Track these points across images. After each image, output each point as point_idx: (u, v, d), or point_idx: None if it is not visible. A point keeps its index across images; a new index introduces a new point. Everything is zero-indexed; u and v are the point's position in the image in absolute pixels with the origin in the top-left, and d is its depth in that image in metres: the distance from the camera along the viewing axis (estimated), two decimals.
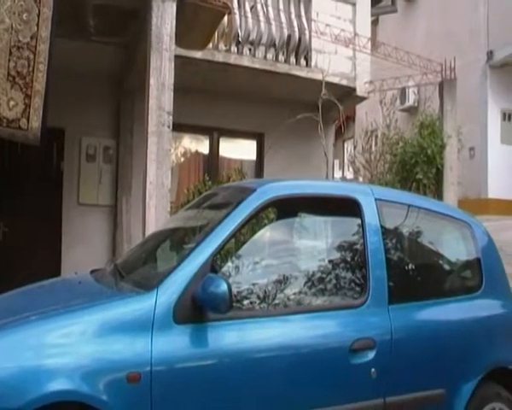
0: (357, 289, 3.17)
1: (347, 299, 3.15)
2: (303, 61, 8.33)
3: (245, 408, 2.71)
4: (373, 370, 2.98)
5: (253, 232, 3.35)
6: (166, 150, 5.12)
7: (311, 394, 2.86)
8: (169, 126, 5.19)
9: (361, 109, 13.07)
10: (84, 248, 7.15)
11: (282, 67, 8.07)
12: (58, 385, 2.38)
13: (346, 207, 3.32)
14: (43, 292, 3.39)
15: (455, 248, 3.85)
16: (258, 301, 2.92)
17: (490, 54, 13.34)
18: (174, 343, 2.59)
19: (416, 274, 3.53)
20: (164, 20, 5.10)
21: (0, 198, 7.13)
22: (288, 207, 3.32)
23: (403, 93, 13.79)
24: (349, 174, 12.11)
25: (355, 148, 9.02)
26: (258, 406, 2.74)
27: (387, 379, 3.04)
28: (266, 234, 3.42)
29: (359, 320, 3.05)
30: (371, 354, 2.99)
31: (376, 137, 9.14)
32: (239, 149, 9.26)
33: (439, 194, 7.45)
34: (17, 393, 2.33)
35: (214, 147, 8.90)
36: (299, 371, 2.84)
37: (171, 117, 5.16)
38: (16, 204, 7.13)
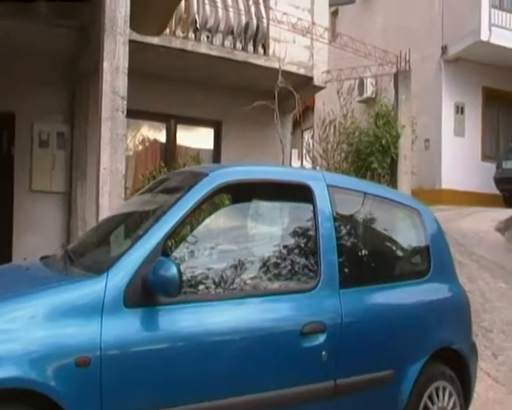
0: (309, 273, 3.21)
1: (299, 283, 3.18)
2: (261, 50, 8.35)
3: (195, 392, 2.71)
4: (323, 353, 3.03)
5: (206, 217, 3.35)
6: (121, 136, 5.04)
7: (263, 377, 2.89)
8: (123, 111, 5.11)
9: (320, 99, 13.16)
10: (36, 236, 7.00)
11: (239, 55, 8.05)
12: (3, 372, 2.32)
13: (298, 192, 3.36)
14: None
15: (405, 234, 3.94)
16: (210, 285, 2.92)
17: (444, 48, 13.61)
18: (124, 327, 2.57)
19: (367, 259, 3.60)
20: (118, 3, 5.00)
21: None
22: (240, 193, 3.33)
23: (361, 85, 13.94)
24: (307, 164, 12.21)
25: (312, 137, 9.07)
26: (209, 389, 2.74)
27: (338, 362, 3.10)
28: (219, 219, 3.42)
29: (310, 304, 3.09)
30: (322, 338, 3.04)
31: (334, 127, 9.22)
32: (196, 137, 9.23)
33: (393, 183, 7.60)
34: None
35: (171, 134, 8.83)
36: (250, 354, 2.86)
37: (125, 102, 5.08)
38: None
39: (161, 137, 9.02)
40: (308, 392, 3.02)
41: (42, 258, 3.45)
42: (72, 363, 2.43)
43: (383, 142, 7.43)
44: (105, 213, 4.56)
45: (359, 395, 3.24)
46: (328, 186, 3.37)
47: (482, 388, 4.86)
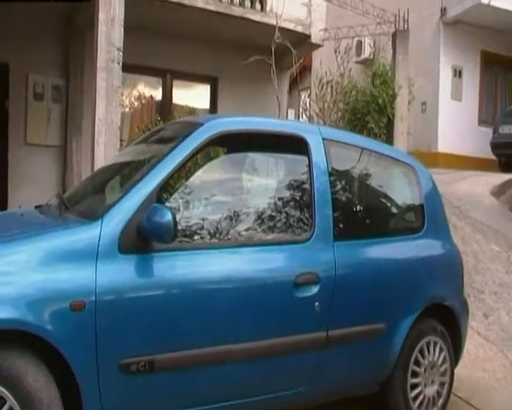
0: (303, 225, 3.21)
1: (293, 235, 3.19)
2: (258, 5, 8.22)
3: (188, 338, 2.74)
4: (316, 303, 3.06)
5: (200, 168, 3.34)
6: (116, 87, 5.01)
7: (256, 325, 2.92)
8: (119, 63, 5.08)
9: (317, 59, 13.02)
10: (32, 189, 6.95)
11: (236, 10, 7.93)
12: (1, 313, 2.34)
13: (293, 145, 3.34)
14: None
15: (400, 189, 3.95)
16: (204, 235, 2.92)
17: (443, 10, 13.41)
18: (119, 272, 2.58)
19: (362, 213, 3.61)
20: None
21: None
22: (235, 143, 3.31)
23: (359, 45, 13.77)
24: None
25: (309, 96, 9.00)
26: (203, 336, 2.77)
27: (330, 313, 3.13)
28: (214, 170, 3.41)
29: (304, 255, 3.10)
30: (315, 289, 3.06)
31: (331, 87, 9.13)
32: (193, 94, 9.15)
33: (389, 143, 7.56)
34: None
35: (167, 90, 8.76)
36: (244, 303, 2.88)
37: (121, 53, 5.04)
38: None
39: (157, 93, 8.95)
40: (300, 342, 3.06)
41: (36, 206, 3.45)
42: (67, 307, 2.44)
43: (380, 101, 7.38)
44: (100, 164, 4.55)
45: (351, 346, 3.28)
46: (323, 139, 3.36)
47: (472, 346, 4.94)
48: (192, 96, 9.14)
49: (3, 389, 2.33)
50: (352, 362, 3.33)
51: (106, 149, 4.77)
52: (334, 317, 3.15)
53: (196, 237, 2.90)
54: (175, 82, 8.83)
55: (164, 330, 2.68)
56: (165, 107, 8.65)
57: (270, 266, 3.04)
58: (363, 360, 3.38)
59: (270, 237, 3.12)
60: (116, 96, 5.03)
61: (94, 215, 2.70)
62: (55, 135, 7.60)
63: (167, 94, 8.79)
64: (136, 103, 9.04)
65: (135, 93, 8.97)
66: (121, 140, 5.09)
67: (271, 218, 3.17)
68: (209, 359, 2.79)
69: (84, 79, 7.53)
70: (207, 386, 2.81)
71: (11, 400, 2.33)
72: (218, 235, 2.95)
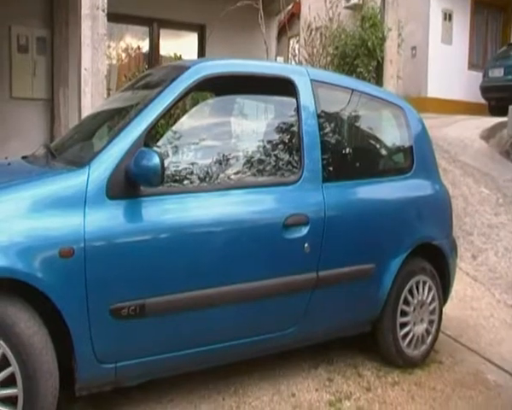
0: (292, 168, 3.21)
1: (282, 177, 3.18)
2: None
3: (178, 282, 2.75)
4: (306, 245, 3.08)
5: (188, 112, 3.30)
6: (102, 35, 4.92)
7: (246, 267, 2.94)
8: (104, 10, 4.97)
9: (306, 6, 12.78)
10: (19, 144, 6.87)
11: None
12: None
13: (281, 87, 3.31)
14: None
15: (389, 131, 3.94)
16: (193, 179, 2.91)
17: None
18: (108, 218, 2.58)
19: (351, 155, 3.59)
20: None
21: None
22: (222, 86, 3.26)
23: None
24: None
25: (298, 42, 8.86)
26: (192, 279, 2.79)
27: (320, 254, 3.16)
28: (201, 114, 3.38)
29: (293, 197, 3.11)
30: (305, 230, 3.08)
31: (321, 34, 8.98)
32: (180, 43, 8.98)
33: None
34: None
35: (154, 39, 8.60)
36: (234, 245, 2.90)
37: (105, 0, 4.91)
38: None
39: (144, 43, 8.79)
40: (291, 283, 3.09)
41: (23, 157, 3.42)
42: (56, 254, 2.45)
43: (369, 44, 7.26)
44: (87, 114, 4.49)
45: (341, 287, 3.33)
46: (311, 81, 3.33)
47: (461, 286, 5.03)
48: (179, 45, 8.98)
49: None
50: (342, 303, 3.38)
51: (93, 98, 4.70)
52: (324, 258, 3.17)
53: (185, 182, 2.89)
54: (162, 31, 8.67)
55: (153, 275, 2.69)
56: (153, 57, 8.52)
57: (259, 208, 3.04)
58: (353, 300, 3.43)
59: (258, 179, 3.12)
60: (102, 45, 4.93)
61: (81, 162, 2.68)
62: (41, 88, 7.49)
63: (154, 44, 8.64)
64: (123, 55, 8.89)
65: (122, 44, 8.81)
66: (108, 90, 5.01)
67: (260, 160, 3.17)
68: (199, 302, 2.82)
69: (69, 30, 7.38)
70: (198, 329, 2.85)
71: (3, 346, 2.36)
72: (206, 178, 2.94)
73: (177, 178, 2.87)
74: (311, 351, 3.60)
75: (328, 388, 3.31)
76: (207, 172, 2.96)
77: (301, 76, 3.32)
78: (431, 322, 3.78)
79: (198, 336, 2.87)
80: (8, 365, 2.37)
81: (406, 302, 3.65)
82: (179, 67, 3.15)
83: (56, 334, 2.50)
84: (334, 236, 3.21)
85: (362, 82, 4.49)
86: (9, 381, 2.38)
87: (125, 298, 2.61)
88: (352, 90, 3.64)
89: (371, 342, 3.70)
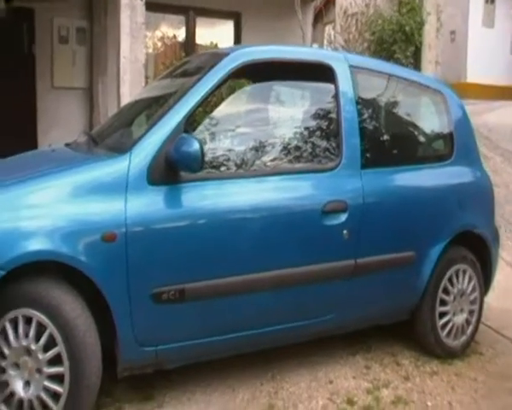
0: (331, 154, 3.19)
1: (320, 163, 3.17)
2: None
3: (217, 267, 2.78)
4: (345, 231, 3.06)
5: (225, 99, 3.31)
6: (140, 24, 4.97)
7: (285, 253, 2.94)
8: (142, 0, 5.00)
9: None
10: (60, 131, 7.02)
11: None
12: (37, 245, 2.42)
13: (319, 73, 3.28)
14: (16, 161, 3.38)
15: (429, 116, 3.88)
16: (232, 165, 2.93)
17: None
18: (149, 204, 2.62)
19: (390, 141, 3.55)
20: None
21: None
22: (261, 72, 3.26)
23: None
24: None
25: (333, 28, 8.75)
26: (231, 265, 2.81)
27: (359, 241, 3.13)
28: (240, 100, 3.39)
29: (332, 183, 3.09)
30: (343, 217, 3.06)
31: (356, 20, 8.87)
32: (216, 31, 9.00)
33: None
34: None
35: (191, 28, 8.62)
36: (273, 231, 2.90)
37: None
38: None
39: (181, 32, 8.83)
40: (329, 270, 3.08)
41: (66, 144, 3.49)
42: (99, 239, 2.51)
43: (407, 29, 7.11)
44: (126, 102, 4.55)
45: (380, 274, 3.29)
46: (350, 67, 3.30)
47: (502, 276, 4.91)
48: (215, 33, 9.00)
49: (44, 317, 2.45)
50: (380, 290, 3.34)
51: (131, 86, 4.77)
52: (362, 245, 3.15)
53: (223, 168, 2.91)
54: (198, 19, 8.69)
55: (193, 260, 2.72)
56: (189, 45, 8.54)
57: (298, 194, 3.04)
58: (391, 288, 3.39)
59: (297, 166, 3.11)
60: (140, 34, 5.00)
61: (122, 149, 2.73)
62: (80, 77, 7.63)
63: (191, 32, 8.67)
64: (159, 44, 8.95)
65: (158, 34, 8.88)
66: (146, 78, 5.07)
67: (298, 147, 3.16)
68: (238, 288, 2.84)
69: (107, 20, 7.46)
70: (236, 315, 2.88)
71: (51, 327, 2.45)
72: (244, 165, 2.96)
73: (216, 164, 2.89)
74: (349, 338, 3.59)
75: (365, 375, 3.30)
76: (245, 159, 2.97)
77: (340, 62, 3.30)
78: (471, 312, 3.71)
79: (237, 322, 2.90)
80: (55, 345, 2.45)
81: (446, 291, 3.59)
82: (218, 54, 3.17)
83: (99, 317, 2.56)
84: (372, 223, 3.18)
85: (401, 67, 4.41)
86: (57, 360, 2.46)
87: (166, 283, 2.65)
88: (391, 75, 3.60)
89: (410, 331, 3.66)
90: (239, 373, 3.18)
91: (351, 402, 3.01)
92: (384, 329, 3.66)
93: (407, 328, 3.66)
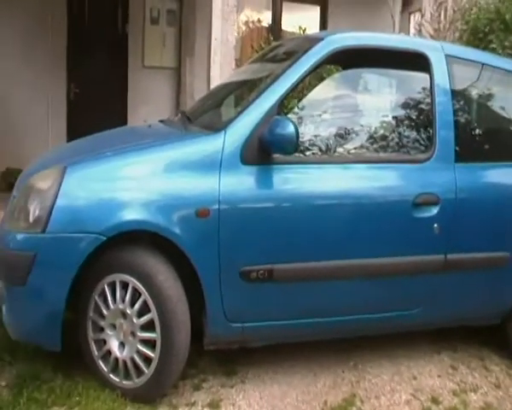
0: (423, 146, 3.11)
1: (412, 154, 3.10)
2: None
3: (306, 251, 2.79)
4: (436, 225, 2.98)
5: (316, 84, 3.30)
6: (232, 6, 5.05)
7: (373, 242, 2.91)
8: None
9: None
10: (148, 110, 7.21)
11: None
12: (135, 215, 2.54)
13: (413, 62, 3.21)
14: (116, 134, 3.52)
15: None
16: (324, 150, 2.93)
17: None
18: (242, 183, 2.67)
19: (485, 135, 3.40)
20: None
21: (71, 61, 7.29)
22: (355, 59, 3.22)
23: None
24: None
25: (422, 17, 8.44)
26: (319, 250, 2.82)
27: (450, 236, 3.04)
28: (329, 86, 3.37)
29: (424, 175, 3.02)
30: (435, 210, 2.98)
31: (446, 9, 8.53)
32: (301, 17, 8.94)
33: None
34: (95, 220, 2.50)
35: (277, 12, 8.61)
36: (361, 219, 2.88)
37: None
38: (85, 67, 7.27)
39: (266, 16, 8.84)
40: (418, 263, 3.02)
41: (161, 120, 3.59)
42: (193, 213, 2.58)
43: (507, 17, 6.71)
44: (216, 83, 4.64)
45: (470, 273, 3.17)
46: (446, 56, 3.20)
47: None
48: (301, 18, 8.94)
49: (139, 284, 2.56)
50: (470, 290, 3.20)
51: (221, 67, 4.84)
52: (453, 241, 3.06)
53: (314, 153, 2.91)
54: (285, 4, 8.66)
55: (283, 241, 2.75)
56: (275, 30, 8.53)
57: (390, 184, 3.00)
58: (482, 289, 3.24)
59: (389, 155, 3.06)
60: (231, 16, 5.06)
61: (217, 127, 2.78)
62: (169, 57, 7.80)
63: (277, 17, 8.66)
64: (243, 27, 9.01)
65: (243, 17, 8.93)
66: (236, 60, 5.13)
67: (390, 137, 3.11)
68: (325, 273, 2.84)
69: (196, 2, 7.57)
70: (323, 300, 2.89)
71: (145, 294, 2.56)
72: (337, 152, 2.95)
73: (307, 148, 2.89)
74: (433, 336, 3.50)
75: (451, 376, 3.19)
76: (338, 146, 2.96)
77: (436, 51, 3.20)
78: None
79: (322, 307, 2.91)
80: (148, 311, 2.57)
81: None
82: (312, 39, 3.16)
83: (188, 290, 2.64)
84: (465, 219, 3.07)
85: (501, 58, 4.20)
86: (149, 326, 2.59)
87: (255, 262, 2.69)
88: (490, 66, 3.45)
89: (500, 336, 3.46)
90: (320, 359, 3.18)
91: (436, 401, 2.93)
92: (470, 330, 3.51)
93: (497, 332, 3.47)
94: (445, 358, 3.38)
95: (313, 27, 8.79)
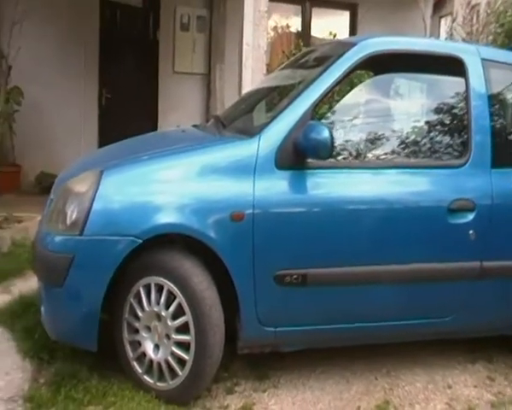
0: (459, 151, 3.08)
1: (447, 159, 3.08)
2: None
3: (340, 256, 2.79)
4: (471, 232, 2.95)
5: (349, 89, 3.29)
6: (263, 12, 5.07)
7: (407, 248, 2.89)
8: None
9: None
10: (178, 114, 7.32)
11: None
12: (168, 218, 2.57)
13: (448, 66, 3.18)
14: (149, 139, 3.57)
15: None
16: (358, 155, 2.93)
17: None
18: (276, 187, 2.68)
19: None
20: None
21: (103, 67, 7.47)
22: (389, 63, 3.21)
23: None
24: None
25: (454, 20, 8.33)
26: (354, 255, 2.81)
27: (486, 243, 3.00)
28: (363, 91, 3.36)
29: (459, 181, 2.99)
30: (470, 216, 2.95)
31: (478, 12, 8.41)
32: (331, 22, 8.93)
33: None
34: (131, 223, 2.53)
35: (307, 17, 8.63)
36: (395, 224, 2.86)
37: None
38: (117, 73, 7.44)
39: (295, 22, 8.86)
40: (453, 269, 2.98)
41: (194, 125, 3.63)
42: (228, 217, 2.60)
43: None
44: (247, 88, 4.66)
45: (507, 281, 3.11)
46: (482, 60, 3.17)
47: None
48: (330, 24, 8.94)
49: (174, 287, 2.59)
50: (506, 298, 3.14)
51: (253, 73, 4.87)
52: (489, 248, 3.01)
53: (349, 157, 2.92)
54: (314, 10, 8.67)
55: (317, 246, 2.75)
56: (304, 36, 8.55)
57: (425, 189, 2.98)
58: None
59: (424, 160, 3.04)
60: (263, 21, 5.09)
61: (252, 132, 2.80)
62: (199, 63, 7.91)
63: (306, 22, 8.68)
64: (272, 33, 9.04)
65: (271, 23, 8.97)
66: (267, 65, 5.16)
67: (424, 142, 3.09)
68: (359, 278, 2.83)
69: (226, 8, 7.65)
70: (356, 305, 2.88)
71: (180, 296, 2.58)
72: (371, 157, 2.95)
73: (341, 153, 2.89)
74: (467, 344, 3.43)
75: (488, 387, 3.11)
76: (372, 152, 2.96)
77: (471, 55, 3.17)
78: None
79: (355, 312, 2.89)
80: (183, 314, 2.59)
81: None
82: (345, 44, 3.17)
83: (222, 293, 2.65)
84: (501, 225, 3.03)
85: None
86: (184, 328, 2.60)
87: (289, 266, 2.70)
88: None
89: None
90: (353, 365, 3.16)
91: None
92: (507, 340, 3.42)
93: None
94: (480, 368, 3.30)
95: (343, 33, 8.78)
